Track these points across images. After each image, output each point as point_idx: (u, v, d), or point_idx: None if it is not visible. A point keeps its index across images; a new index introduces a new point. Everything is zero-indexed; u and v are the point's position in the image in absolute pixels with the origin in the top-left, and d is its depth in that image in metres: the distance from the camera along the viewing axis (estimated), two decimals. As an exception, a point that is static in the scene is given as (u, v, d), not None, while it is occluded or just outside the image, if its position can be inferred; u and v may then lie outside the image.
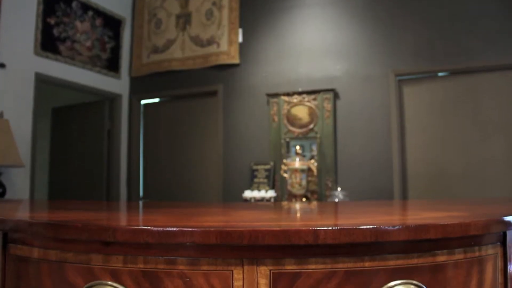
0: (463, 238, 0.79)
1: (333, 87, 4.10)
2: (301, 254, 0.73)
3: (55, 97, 5.28)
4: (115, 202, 2.30)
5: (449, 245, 0.78)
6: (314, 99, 4.13)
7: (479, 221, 0.78)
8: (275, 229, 0.71)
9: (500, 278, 0.84)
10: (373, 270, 0.74)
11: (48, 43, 4.11)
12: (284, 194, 4.02)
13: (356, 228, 0.71)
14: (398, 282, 0.75)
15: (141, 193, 5.13)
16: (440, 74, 3.89)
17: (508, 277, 0.84)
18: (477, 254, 0.80)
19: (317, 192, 3.94)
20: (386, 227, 0.73)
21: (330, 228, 0.71)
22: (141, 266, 0.75)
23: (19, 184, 3.74)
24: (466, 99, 3.76)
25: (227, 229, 0.71)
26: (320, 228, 0.70)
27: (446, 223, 0.75)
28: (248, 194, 4.00)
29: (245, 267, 0.73)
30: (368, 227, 0.72)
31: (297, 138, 4.16)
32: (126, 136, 5.11)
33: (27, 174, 3.83)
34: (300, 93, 4.19)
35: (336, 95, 4.12)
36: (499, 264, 0.84)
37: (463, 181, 3.68)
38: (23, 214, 1.06)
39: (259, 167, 4.22)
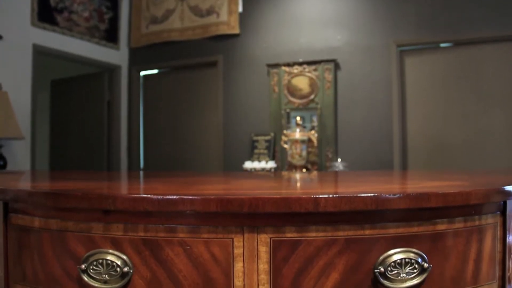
0: (463, 207, 0.79)
1: (334, 58, 4.05)
2: (302, 222, 0.73)
3: (54, 69, 5.24)
4: (115, 172, 2.31)
5: (449, 213, 0.78)
6: (315, 70, 4.09)
7: (479, 190, 0.78)
8: (275, 196, 0.70)
9: (499, 247, 0.84)
10: (373, 238, 0.75)
11: (45, 13, 4.04)
12: (284, 165, 4.03)
13: (356, 196, 0.71)
14: (398, 250, 0.75)
15: (141, 164, 5.15)
16: (442, 45, 3.84)
17: (507, 246, 0.85)
18: (477, 223, 0.81)
19: (317, 163, 3.95)
20: (387, 195, 0.72)
21: (330, 196, 0.71)
22: (142, 234, 0.75)
23: (20, 156, 3.75)
24: (468, 71, 3.73)
25: (228, 197, 0.70)
26: (320, 196, 0.70)
27: (446, 191, 0.75)
28: (248, 165, 4.01)
29: (246, 235, 0.74)
30: (369, 195, 0.72)
31: (297, 109, 4.14)
32: (126, 107, 5.09)
33: (27, 146, 3.83)
34: (300, 64, 4.15)
35: (337, 66, 4.08)
36: (498, 233, 0.84)
37: (463, 153, 3.68)
38: (23, 184, 1.06)
39: (259, 138, 4.22)
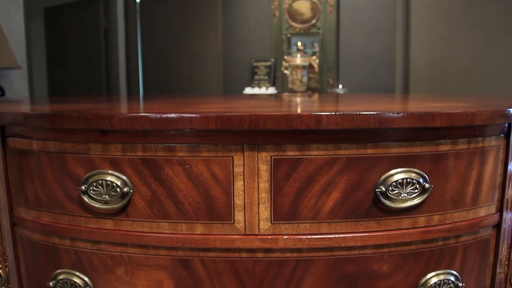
0: (467, 128, 0.77)
1: (337, -19, 3.89)
2: (303, 140, 0.72)
3: (46, -5, 5.05)
4: (114, 96, 2.28)
5: (453, 134, 0.77)
6: (317, -6, 3.94)
7: (485, 111, 0.76)
8: (276, 113, 0.69)
9: (500, 170, 0.84)
10: (375, 157, 0.74)
11: None
12: (285, 91, 4.00)
13: (359, 114, 0.69)
14: (399, 170, 0.75)
15: (141, 91, 5.10)
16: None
17: (508, 169, 0.84)
18: (480, 145, 0.79)
19: (318, 89, 3.91)
20: (391, 114, 0.71)
21: (333, 113, 0.69)
22: (140, 154, 0.74)
23: (18, 86, 3.70)
24: (476, -5, 3.58)
25: (227, 114, 0.69)
26: (322, 113, 0.68)
27: (451, 111, 0.73)
28: (248, 91, 3.98)
29: (246, 153, 0.73)
30: (372, 113, 0.70)
31: (298, 34, 4.03)
32: (123, 34, 4.96)
33: (24, 76, 3.77)
34: (302, -13, 3.99)
35: (340, -11, 3.92)
36: (501, 156, 0.83)
37: (467, 79, 3.62)
38: (20, 108, 1.04)
39: (259, 64, 4.15)
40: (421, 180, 0.75)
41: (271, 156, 0.73)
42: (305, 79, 3.71)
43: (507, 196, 0.85)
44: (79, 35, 4.92)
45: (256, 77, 4.12)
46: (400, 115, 0.71)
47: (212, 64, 4.58)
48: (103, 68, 4.90)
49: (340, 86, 3.76)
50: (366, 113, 0.70)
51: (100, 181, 0.76)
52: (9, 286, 0.91)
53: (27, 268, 0.89)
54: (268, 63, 4.11)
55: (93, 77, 4.92)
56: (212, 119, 0.69)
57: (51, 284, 0.83)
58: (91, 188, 0.76)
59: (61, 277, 0.83)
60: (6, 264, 0.90)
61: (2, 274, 0.91)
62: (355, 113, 0.69)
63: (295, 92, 3.79)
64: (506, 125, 0.82)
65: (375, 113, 0.70)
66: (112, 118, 0.72)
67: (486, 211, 0.83)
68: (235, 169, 0.73)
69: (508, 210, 0.85)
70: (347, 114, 0.69)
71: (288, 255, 0.76)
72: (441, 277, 0.81)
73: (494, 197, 0.84)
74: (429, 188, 0.75)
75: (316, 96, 1.72)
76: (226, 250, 0.76)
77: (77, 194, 0.78)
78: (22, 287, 0.91)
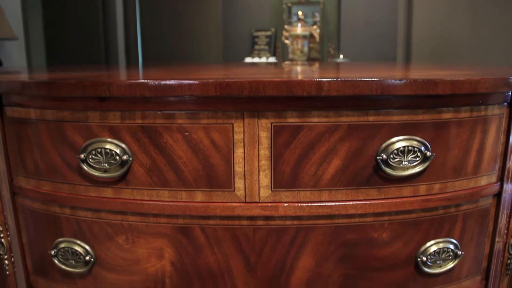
0: (470, 96, 0.76)
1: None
2: (304, 106, 0.71)
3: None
4: (113, 65, 2.26)
5: (456, 102, 0.76)
6: (319, -38, 3.86)
7: (489, 79, 0.74)
8: (276, 79, 0.68)
9: (502, 139, 0.83)
10: (377, 125, 0.73)
11: None
12: (285, 61, 3.96)
13: (361, 81, 0.68)
14: (401, 138, 0.74)
15: (140, 60, 5.05)
16: None
17: (511, 138, 0.83)
18: (483, 113, 0.79)
19: (318, 59, 3.87)
20: (393, 81, 0.69)
21: (334, 79, 0.68)
22: (139, 121, 0.73)
23: (16, 58, 3.66)
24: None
25: (227, 80, 0.68)
26: (323, 80, 0.67)
27: (455, 79, 0.72)
28: (248, 61, 3.94)
29: (246, 120, 0.72)
30: (374, 79, 0.69)
31: (299, 3, 3.97)
32: (122, 2, 4.87)
33: (22, 47, 3.73)
34: (304, -45, 3.91)
35: (342, -43, 3.84)
36: (503, 125, 0.82)
37: (470, 49, 3.57)
38: (16, 76, 1.03)
39: (259, 33, 4.10)
40: (422, 148, 0.74)
41: (271, 123, 0.72)
42: (305, 49, 3.67)
43: (509, 166, 0.85)
44: (77, 5, 4.84)
45: (256, 47, 4.07)
46: (402, 82, 0.70)
47: (212, 34, 4.53)
48: (102, 38, 4.84)
49: (341, 56, 3.72)
50: (367, 79, 0.68)
51: (99, 149, 0.75)
52: (12, 254, 0.92)
53: (29, 237, 0.89)
54: (269, 33, 4.06)
55: (91, 47, 4.86)
56: (212, 86, 0.68)
57: (52, 252, 0.83)
58: (90, 157, 0.75)
59: (62, 245, 0.83)
60: (8, 233, 0.90)
61: (4, 243, 0.91)
62: (357, 79, 0.68)
63: (296, 62, 3.76)
64: (510, 93, 0.81)
65: (377, 79, 0.69)
66: (110, 85, 0.71)
67: (487, 180, 0.83)
68: (235, 136, 0.73)
69: (509, 180, 0.85)
70: (348, 81, 0.68)
71: (288, 222, 0.76)
72: (441, 245, 0.81)
73: (495, 167, 0.84)
74: (430, 156, 0.74)
75: (317, 64, 1.70)
76: (226, 218, 0.76)
77: (76, 162, 0.78)
78: (24, 256, 0.91)
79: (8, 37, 3.27)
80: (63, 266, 0.84)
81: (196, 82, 0.68)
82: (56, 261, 0.84)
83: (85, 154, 0.75)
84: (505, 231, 0.88)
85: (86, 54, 4.89)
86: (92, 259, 0.82)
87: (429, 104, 0.74)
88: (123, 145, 0.74)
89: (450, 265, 0.83)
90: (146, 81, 0.70)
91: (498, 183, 0.85)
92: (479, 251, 0.88)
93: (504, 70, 1.02)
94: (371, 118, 0.73)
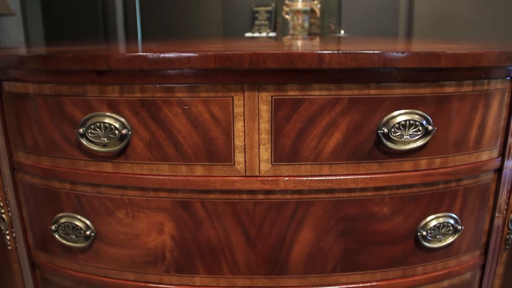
0: (473, 69, 0.75)
1: None
2: (305, 79, 0.70)
3: None
4: (112, 39, 2.23)
5: (458, 76, 0.75)
6: None
7: (492, 52, 0.73)
8: (277, 52, 0.67)
9: (504, 113, 0.82)
10: (378, 98, 0.72)
11: None
12: (286, 36, 3.92)
13: (363, 53, 0.67)
14: (402, 112, 0.73)
15: (139, 35, 5.00)
16: None
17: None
18: (485, 87, 0.78)
19: (319, 34, 3.83)
20: (395, 53, 0.68)
21: (335, 52, 0.67)
22: (138, 95, 0.73)
23: (13, 33, 3.62)
24: None
25: (227, 52, 0.67)
26: (325, 52, 0.66)
27: (457, 52, 0.71)
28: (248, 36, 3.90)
29: (246, 93, 0.71)
30: (376, 52, 0.68)
31: (300, -23, 3.91)
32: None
33: (19, 23, 3.69)
34: None
35: None
36: (506, 99, 0.82)
37: (473, 25, 3.53)
38: (13, 51, 1.02)
39: (260, 9, 4.05)
40: (424, 122, 0.74)
41: (271, 96, 0.71)
42: (306, 24, 3.63)
43: (510, 141, 0.84)
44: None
45: (257, 22, 4.02)
46: (404, 54, 0.69)
47: (212, 9, 4.47)
48: (100, 13, 4.78)
49: (342, 31, 3.68)
50: (369, 52, 0.67)
51: (98, 124, 0.74)
52: (13, 230, 0.92)
53: (29, 213, 0.89)
54: (269, 8, 4.01)
55: (89, 23, 4.81)
56: (211, 58, 0.67)
57: (53, 227, 0.84)
58: (89, 131, 0.75)
59: (62, 220, 0.83)
60: (9, 209, 0.91)
61: (5, 218, 0.91)
62: (358, 52, 0.67)
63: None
64: (513, 67, 0.80)
65: (378, 52, 0.68)
66: (108, 58, 0.70)
67: (488, 155, 0.83)
68: (235, 110, 0.72)
69: (510, 155, 0.85)
70: (350, 53, 0.67)
71: (288, 196, 0.76)
72: (441, 220, 0.81)
73: (496, 142, 0.83)
74: (432, 130, 0.74)
75: (317, 39, 1.68)
76: (226, 192, 0.76)
77: (75, 137, 0.77)
78: (25, 231, 0.92)
79: (5, 13, 3.23)
80: (63, 241, 0.84)
81: (196, 54, 0.67)
82: (56, 236, 0.84)
83: (84, 128, 0.75)
84: (505, 207, 0.88)
85: (84, 30, 4.84)
86: (92, 234, 0.82)
87: (431, 78, 0.73)
88: (122, 119, 0.74)
89: (450, 239, 0.83)
90: (144, 54, 0.69)
91: (499, 158, 0.84)
92: (479, 226, 0.88)
93: (507, 45, 1.01)
94: (372, 92, 0.72)
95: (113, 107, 0.74)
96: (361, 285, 0.83)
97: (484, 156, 0.82)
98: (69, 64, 0.72)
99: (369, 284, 0.83)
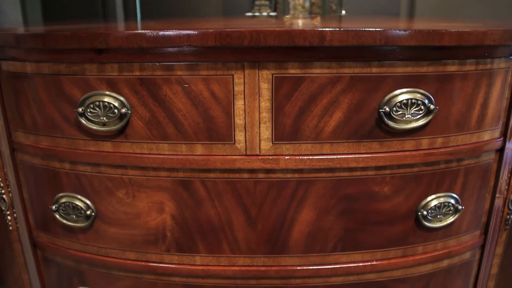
0: (477, 48, 0.74)
1: None
2: (306, 57, 0.69)
3: None
4: (110, 18, 2.21)
5: (461, 54, 0.74)
6: None
7: (496, 30, 0.72)
8: (278, 29, 0.66)
9: (507, 93, 0.82)
10: (380, 77, 0.71)
11: None
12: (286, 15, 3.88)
13: (365, 30, 0.66)
14: (404, 91, 0.72)
15: (138, 15, 4.95)
16: None
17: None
18: (488, 66, 0.77)
19: (320, 15, 3.79)
20: (397, 31, 0.67)
21: (337, 29, 0.66)
22: (138, 73, 0.72)
23: (10, 14, 3.59)
24: None
25: (227, 30, 0.66)
26: (326, 29, 0.65)
27: (461, 30, 0.70)
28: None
29: (246, 71, 0.70)
30: (378, 29, 0.67)
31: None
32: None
33: (16, 3, 3.65)
34: None
35: None
36: (509, 79, 0.81)
37: (476, 6, 3.49)
38: (11, 30, 1.01)
39: (260, -12, 4.01)
40: (426, 101, 0.73)
41: (272, 74, 0.70)
42: (307, 4, 3.59)
43: (512, 122, 0.84)
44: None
45: (257, 2, 3.97)
46: (407, 32, 0.68)
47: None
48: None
49: (343, 11, 3.64)
50: (371, 29, 0.66)
51: (97, 103, 0.74)
52: (14, 210, 0.92)
53: (30, 193, 0.89)
54: (269, -13, 3.97)
55: (88, 2, 4.77)
56: (211, 35, 0.66)
57: (53, 207, 0.84)
58: (88, 110, 0.74)
59: (63, 200, 0.83)
60: (9, 189, 0.91)
61: (6, 199, 0.91)
62: (360, 29, 0.66)
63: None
64: (517, 46, 0.79)
65: (381, 29, 0.67)
66: (107, 36, 0.69)
67: (490, 135, 0.82)
68: (236, 88, 0.71)
69: (513, 135, 0.84)
70: (352, 31, 0.66)
71: (289, 175, 0.76)
72: (441, 199, 0.81)
73: (499, 122, 0.83)
74: (434, 109, 0.73)
75: (318, 17, 1.67)
76: (227, 171, 0.76)
77: (74, 116, 0.77)
78: (26, 211, 0.92)
79: (3, -5, 3.20)
80: (64, 221, 0.85)
81: (195, 32, 0.66)
82: (57, 216, 0.85)
83: (83, 107, 0.74)
84: (506, 187, 0.88)
85: (83, 11, 4.79)
86: (93, 214, 0.82)
87: (434, 56, 0.73)
88: (122, 98, 0.73)
89: (450, 219, 0.83)
90: (143, 31, 0.68)
91: (501, 139, 0.84)
92: (479, 206, 0.88)
93: (510, 23, 1.00)
94: (374, 70, 0.71)
95: (112, 86, 0.73)
96: (361, 264, 0.83)
97: (486, 136, 0.82)
98: (67, 42, 0.71)
99: (369, 263, 0.83)
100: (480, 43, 0.72)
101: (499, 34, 0.72)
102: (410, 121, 0.74)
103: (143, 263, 0.84)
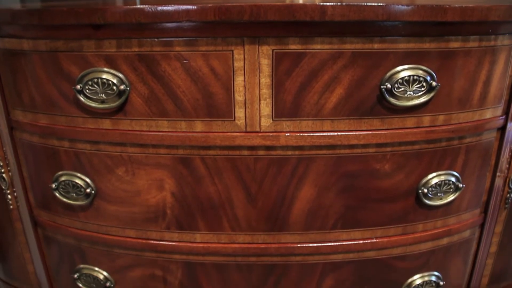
0: (480, 24, 0.73)
1: None
2: (306, 32, 0.68)
3: None
4: None
5: (464, 31, 0.73)
6: None
7: (501, 6, 0.71)
8: (278, 4, 0.64)
9: (510, 71, 0.81)
10: (382, 53, 0.70)
11: None
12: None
13: (367, 5, 0.65)
14: (406, 67, 0.72)
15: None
16: None
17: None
18: (492, 43, 0.76)
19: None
20: (400, 6, 0.66)
21: (338, 4, 0.64)
22: (136, 49, 0.71)
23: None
24: None
25: (226, 4, 0.64)
26: (327, 4, 0.64)
27: (465, 5, 0.69)
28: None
29: (246, 47, 0.69)
30: (380, 4, 0.65)
31: None
32: None
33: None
34: None
35: None
36: (512, 56, 0.80)
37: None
38: (6, 6, 0.99)
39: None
40: (428, 78, 0.72)
41: (272, 50, 0.69)
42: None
43: (514, 102, 0.83)
44: None
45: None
46: (409, 7, 0.67)
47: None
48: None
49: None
50: (374, 4, 0.65)
51: (95, 80, 0.73)
52: (14, 189, 0.92)
53: (29, 171, 0.89)
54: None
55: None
56: (210, 10, 0.65)
57: (53, 186, 0.84)
58: (87, 87, 0.74)
59: (62, 178, 0.83)
60: (9, 168, 0.90)
61: (6, 178, 0.91)
62: (362, 4, 0.65)
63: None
64: (521, 23, 0.78)
65: (383, 4, 0.66)
66: (104, 12, 0.68)
67: (492, 113, 0.82)
68: (235, 64, 0.70)
69: (515, 113, 0.84)
70: (353, 5, 0.65)
71: (289, 152, 0.76)
72: (442, 177, 0.81)
73: (501, 100, 0.82)
74: (436, 86, 0.72)
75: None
76: (227, 148, 0.75)
77: (72, 94, 0.76)
78: (26, 190, 0.92)
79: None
80: (64, 199, 0.85)
81: (194, 7, 0.65)
82: (57, 195, 0.84)
83: (81, 85, 0.73)
84: (507, 166, 0.88)
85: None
86: (93, 192, 0.82)
87: (437, 32, 0.71)
88: (120, 75, 0.72)
89: (451, 197, 0.83)
90: (142, 6, 0.67)
91: (503, 117, 0.83)
92: (480, 185, 0.88)
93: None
94: (376, 46, 0.70)
95: (111, 63, 0.73)
96: (361, 241, 0.84)
97: (488, 114, 0.81)
98: (64, 18, 0.70)
99: (369, 241, 0.84)
100: (484, 19, 0.71)
101: (503, 10, 0.71)
102: (412, 98, 0.73)
103: (144, 241, 0.85)
